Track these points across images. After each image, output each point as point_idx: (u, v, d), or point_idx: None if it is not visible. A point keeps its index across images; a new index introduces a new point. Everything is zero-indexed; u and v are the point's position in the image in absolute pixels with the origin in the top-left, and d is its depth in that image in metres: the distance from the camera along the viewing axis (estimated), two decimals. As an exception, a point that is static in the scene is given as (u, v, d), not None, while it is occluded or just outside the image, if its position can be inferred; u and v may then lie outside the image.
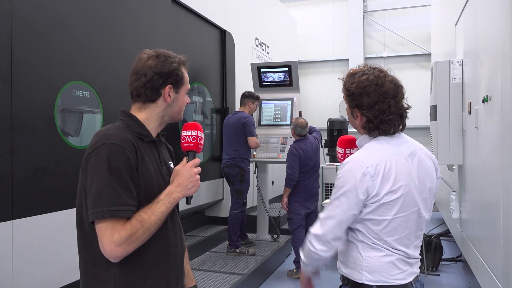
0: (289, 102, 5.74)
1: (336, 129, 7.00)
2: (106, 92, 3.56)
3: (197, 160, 1.54)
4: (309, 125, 4.91)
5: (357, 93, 1.64)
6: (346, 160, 1.62)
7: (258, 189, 5.68)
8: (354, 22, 10.09)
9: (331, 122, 7.28)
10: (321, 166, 5.51)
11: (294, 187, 4.71)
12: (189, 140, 1.57)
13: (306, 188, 4.73)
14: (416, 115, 9.88)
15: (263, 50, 7.40)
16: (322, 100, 10.32)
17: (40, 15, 2.95)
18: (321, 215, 1.64)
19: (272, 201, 7.80)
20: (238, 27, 6.35)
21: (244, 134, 5.06)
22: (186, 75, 1.59)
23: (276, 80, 5.76)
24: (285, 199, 4.76)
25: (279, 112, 5.75)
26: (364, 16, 10.05)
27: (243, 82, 6.19)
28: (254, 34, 7.06)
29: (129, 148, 1.39)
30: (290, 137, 5.60)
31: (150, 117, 1.55)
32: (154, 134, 1.57)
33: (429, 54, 9.56)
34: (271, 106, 5.80)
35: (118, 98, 3.65)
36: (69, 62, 3.19)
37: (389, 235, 1.57)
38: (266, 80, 5.80)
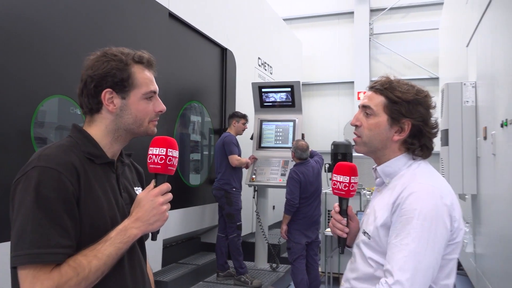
0: (291, 123, 5.47)
1: (340, 152, 6.67)
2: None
3: (164, 186, 1.23)
4: (310, 149, 4.65)
5: (414, 101, 1.44)
6: (416, 188, 1.32)
7: (257, 214, 5.37)
8: (360, 45, 9.92)
9: (336, 145, 6.97)
10: (323, 191, 5.20)
11: (294, 214, 4.40)
12: (155, 161, 1.23)
13: (306, 215, 4.41)
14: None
15: (266, 70, 7.20)
16: (326, 123, 10.06)
17: (29, 29, 2.73)
18: (395, 265, 1.26)
19: (272, 227, 7.45)
20: (240, 45, 6.16)
21: (226, 155, 4.85)
22: (143, 75, 1.29)
23: (278, 100, 5.51)
24: (284, 227, 4.45)
25: (280, 134, 5.48)
26: (370, 38, 9.89)
27: (244, 102, 5.95)
28: (256, 53, 6.86)
29: (68, 172, 1.11)
30: (292, 161, 5.32)
31: (99, 132, 1.27)
32: (110, 153, 1.29)
33: (437, 78, 9.34)
34: (272, 128, 5.54)
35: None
36: (53, 75, 2.96)
37: (447, 278, 1.34)
38: (267, 100, 5.55)
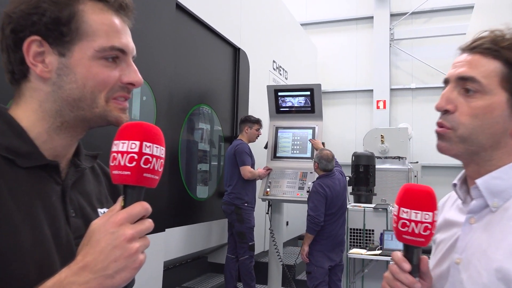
0: (310, 131, 4.91)
1: (362, 164, 6.10)
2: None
3: (137, 208, 0.68)
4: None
5: None
6: None
7: (271, 232, 4.79)
8: (379, 51, 9.38)
9: (357, 156, 6.40)
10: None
11: (317, 233, 3.83)
12: (123, 163, 0.68)
13: (331, 234, 3.85)
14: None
15: (281, 74, 6.68)
16: (343, 133, 9.47)
17: None
18: None
19: (286, 244, 6.86)
20: (254, 46, 5.66)
21: (238, 165, 4.31)
22: (101, 19, 0.76)
23: (296, 105, 4.97)
24: (306, 248, 3.88)
25: (298, 142, 4.92)
26: (390, 44, 9.34)
27: (258, 107, 5.42)
28: (271, 56, 6.36)
29: None
30: (311, 172, 4.74)
31: (29, 113, 0.75)
32: (50, 150, 0.77)
33: (462, 87, 8.74)
34: (289, 136, 4.98)
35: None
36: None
37: None
38: (284, 105, 5.01)
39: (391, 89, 9.28)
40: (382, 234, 4.70)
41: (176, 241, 3.97)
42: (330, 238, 3.84)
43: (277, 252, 4.78)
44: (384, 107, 9.18)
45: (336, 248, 3.89)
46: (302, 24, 9.39)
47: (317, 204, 3.80)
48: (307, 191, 4.60)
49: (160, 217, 3.54)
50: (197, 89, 4.44)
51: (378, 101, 9.21)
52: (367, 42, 9.65)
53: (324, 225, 3.82)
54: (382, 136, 7.28)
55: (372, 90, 9.41)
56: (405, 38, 9.31)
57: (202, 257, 5.00)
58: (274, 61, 6.43)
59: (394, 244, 4.63)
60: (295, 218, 7.35)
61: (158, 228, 3.46)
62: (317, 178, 3.99)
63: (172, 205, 3.86)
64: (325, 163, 3.93)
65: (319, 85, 4.84)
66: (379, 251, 4.50)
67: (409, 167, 6.55)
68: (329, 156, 3.95)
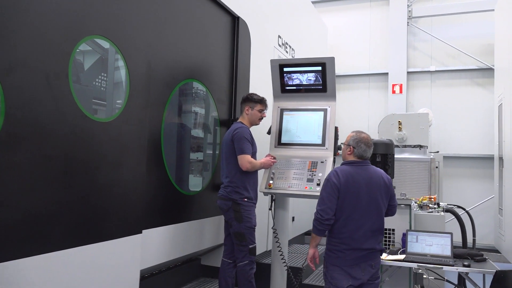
0: (321, 113, 4.19)
1: (379, 153, 5.34)
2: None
3: None
4: None
5: None
6: None
7: (274, 231, 4.10)
8: (395, 30, 8.57)
9: (374, 144, 5.65)
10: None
11: (330, 239, 3.02)
12: None
13: (351, 245, 2.94)
14: (470, 143, 8.20)
15: (287, 52, 5.93)
16: (354, 120, 8.70)
17: None
18: None
19: (291, 241, 6.19)
20: (257, 16, 4.91)
21: (236, 154, 3.65)
22: None
23: (305, 83, 4.23)
24: (311, 251, 3.09)
25: (307, 126, 4.20)
26: (408, 22, 8.52)
27: (260, 85, 4.70)
28: (276, 30, 5.60)
29: None
30: (322, 162, 4.03)
31: None
32: None
33: (487, 69, 7.94)
34: (296, 119, 4.26)
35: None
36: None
37: None
38: (290, 83, 4.28)
39: (408, 72, 8.49)
40: (404, 235, 3.99)
41: (157, 245, 3.29)
42: (350, 249, 2.95)
43: (280, 253, 4.10)
44: (401, 91, 8.40)
45: (361, 262, 2.96)
46: (312, 2, 8.61)
47: (324, 196, 2.96)
48: (317, 184, 3.90)
49: (134, 216, 2.85)
50: (186, 61, 3.72)
51: (393, 85, 8.44)
52: (382, 21, 8.84)
53: (340, 230, 2.98)
54: (399, 123, 6.51)
55: (387, 74, 8.62)
56: (424, 15, 8.47)
57: (195, 259, 4.33)
58: (279, 37, 5.68)
59: (420, 246, 3.92)
60: (302, 213, 6.67)
61: (131, 229, 2.77)
62: (343, 164, 3.14)
63: (152, 202, 3.17)
64: (364, 148, 3.09)
65: (333, 58, 4.09)
66: (402, 255, 3.80)
67: (431, 157, 5.80)
68: (368, 141, 3.15)
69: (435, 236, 3.92)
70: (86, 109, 2.49)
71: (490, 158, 7.67)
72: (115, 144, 2.70)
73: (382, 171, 3.18)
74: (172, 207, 3.50)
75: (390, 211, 3.19)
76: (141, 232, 2.92)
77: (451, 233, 3.91)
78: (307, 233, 7.63)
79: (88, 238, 2.50)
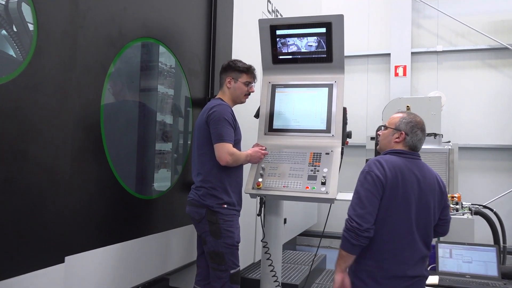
0: (326, 90, 3.20)
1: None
2: None
3: None
4: None
5: None
6: None
7: (264, 245, 3.12)
8: (398, 6, 7.61)
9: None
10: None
11: (371, 260, 2.08)
12: None
13: (395, 271, 2.05)
14: (481, 131, 7.34)
15: (278, 22, 4.90)
16: (351, 107, 7.70)
17: None
18: None
19: (283, 248, 5.22)
20: (241, -30, 3.88)
21: (211, 141, 2.64)
22: None
23: (304, 50, 3.23)
24: (339, 278, 2.09)
25: (306, 107, 3.21)
26: (412, -3, 7.58)
27: (245, 55, 3.66)
28: (265, -8, 4.58)
29: None
30: (327, 153, 3.05)
31: None
32: None
33: (501, 49, 7.07)
34: (293, 98, 3.27)
35: None
36: None
37: None
38: (285, 51, 3.27)
39: (412, 53, 7.56)
40: (433, 247, 3.05)
41: (94, 272, 2.27)
42: (391, 278, 2.05)
43: (272, 271, 3.13)
44: (404, 74, 7.47)
45: (398, 278, 2.07)
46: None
47: (363, 195, 2.03)
48: (322, 183, 2.91)
49: (52, 238, 1.84)
50: (143, 13, 2.67)
51: (396, 67, 7.50)
52: (383, -5, 7.88)
53: (380, 247, 2.06)
54: (408, 107, 5.58)
55: (389, 54, 7.67)
56: (430, -12, 7.54)
57: (161, 280, 3.32)
58: (269, 1, 4.66)
59: (456, 264, 3.00)
60: (294, 214, 5.73)
61: (47, 259, 1.77)
62: (386, 153, 2.23)
63: (85, 213, 2.15)
64: (420, 137, 2.18)
65: (341, 16, 3.10)
66: (435, 277, 2.87)
67: (449, 147, 4.89)
68: (424, 128, 2.21)
69: (475, 250, 3.00)
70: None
71: (504, 149, 6.84)
72: (13, 122, 1.68)
73: (434, 171, 2.24)
74: (118, 218, 2.47)
75: (441, 228, 2.26)
76: (62, 262, 1.91)
77: (497, 246, 3.01)
78: (300, 234, 6.71)
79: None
